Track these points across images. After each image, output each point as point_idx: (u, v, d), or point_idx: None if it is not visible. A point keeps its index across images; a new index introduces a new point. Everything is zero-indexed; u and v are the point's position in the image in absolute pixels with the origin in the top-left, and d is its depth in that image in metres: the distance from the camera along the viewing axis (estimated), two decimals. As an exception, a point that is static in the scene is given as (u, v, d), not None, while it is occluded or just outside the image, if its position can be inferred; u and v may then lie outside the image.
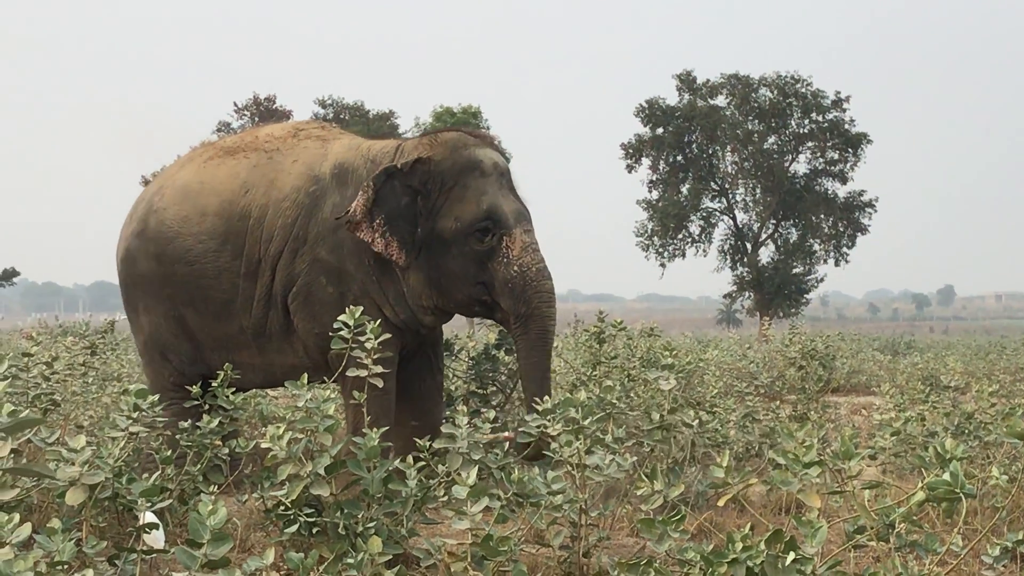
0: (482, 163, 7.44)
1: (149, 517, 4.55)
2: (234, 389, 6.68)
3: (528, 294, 7.20)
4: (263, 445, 5.04)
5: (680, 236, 58.24)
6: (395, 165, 7.41)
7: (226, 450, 6.01)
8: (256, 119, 64.02)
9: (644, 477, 5.05)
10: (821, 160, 57.85)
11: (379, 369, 5.87)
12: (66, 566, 3.56)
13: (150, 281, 8.11)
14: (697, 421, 6.93)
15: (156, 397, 5.53)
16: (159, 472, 5.34)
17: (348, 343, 6.10)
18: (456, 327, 24.34)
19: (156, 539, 4.55)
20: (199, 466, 5.87)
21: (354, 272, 7.52)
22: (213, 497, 4.06)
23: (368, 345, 5.81)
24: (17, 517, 3.58)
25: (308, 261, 7.57)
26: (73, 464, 4.34)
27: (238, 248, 7.75)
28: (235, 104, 65.09)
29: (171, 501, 5.12)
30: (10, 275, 69.12)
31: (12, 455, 3.07)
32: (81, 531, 4.58)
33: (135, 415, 5.44)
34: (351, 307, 6.03)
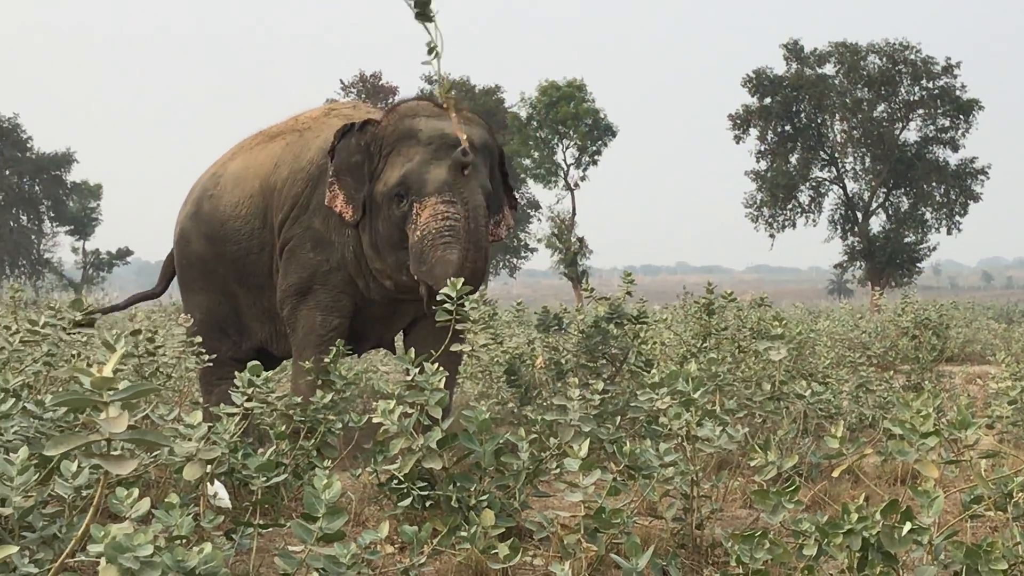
0: (420, 132, 7.47)
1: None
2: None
3: (422, 255, 7.21)
4: (375, 420, 5.07)
5: (789, 206, 57.78)
6: (351, 123, 7.67)
7: (339, 424, 6.05)
8: (363, 96, 64.33)
9: (757, 448, 5.02)
10: (932, 127, 57.12)
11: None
12: (184, 540, 3.60)
13: (204, 261, 8.50)
14: (809, 392, 6.87)
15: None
16: (274, 447, 5.39)
17: (453, 315, 6.19)
18: (565, 300, 24.36)
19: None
20: (313, 441, 5.91)
21: (336, 243, 7.75)
22: (327, 472, 4.10)
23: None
24: (136, 492, 3.62)
25: (303, 227, 7.87)
26: (190, 439, 4.39)
27: (271, 221, 8.11)
28: (341, 81, 65.47)
29: (286, 476, 5.15)
30: (124, 254, 70.03)
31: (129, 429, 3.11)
32: (198, 505, 4.63)
33: (250, 391, 5.51)
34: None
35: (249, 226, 8.22)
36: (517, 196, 8.02)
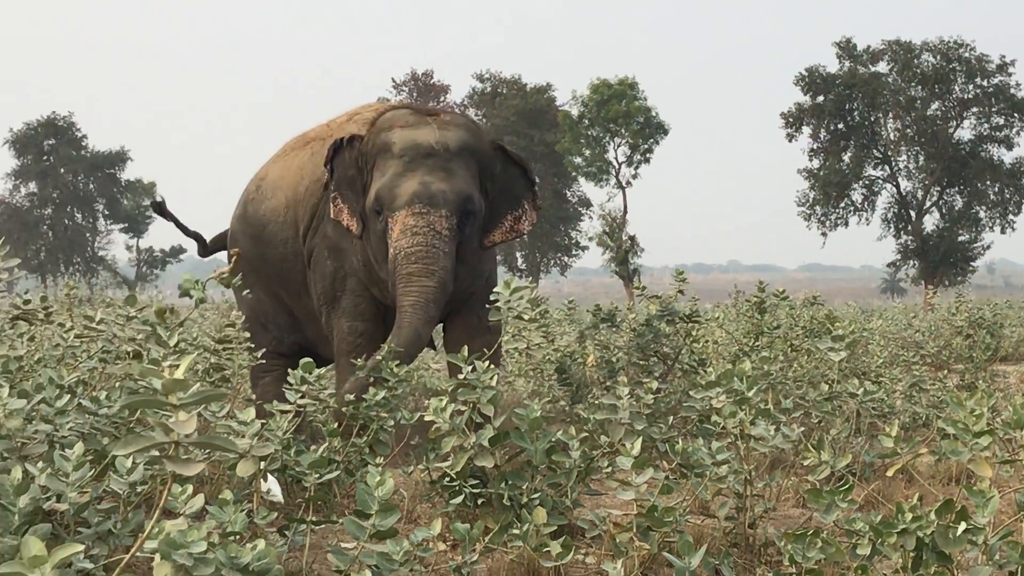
0: (393, 145, 7.52)
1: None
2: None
3: (394, 278, 7.27)
4: (427, 418, 5.08)
5: (842, 205, 57.43)
6: (342, 139, 7.72)
7: (391, 422, 6.06)
8: (414, 94, 64.46)
9: (810, 448, 5.00)
10: (986, 126, 56.64)
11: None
12: (238, 536, 3.61)
13: (249, 260, 8.50)
14: (862, 391, 6.83)
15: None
16: (326, 444, 5.41)
17: (505, 313, 6.20)
18: (616, 299, 24.32)
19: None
20: (365, 438, 5.92)
21: (347, 251, 7.83)
22: (380, 469, 4.11)
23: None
24: (190, 488, 3.64)
25: (321, 236, 7.99)
26: (243, 436, 4.41)
27: (300, 231, 8.21)
28: (393, 80, 65.59)
29: (338, 473, 5.17)
30: (177, 252, 70.40)
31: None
32: (252, 502, 4.65)
33: (303, 388, 5.53)
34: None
35: (284, 234, 8.35)
36: (538, 195, 8.08)
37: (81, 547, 2.82)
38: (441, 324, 8.19)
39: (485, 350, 7.26)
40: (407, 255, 7.14)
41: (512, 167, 7.95)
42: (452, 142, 7.47)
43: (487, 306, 7.87)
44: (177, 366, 2.91)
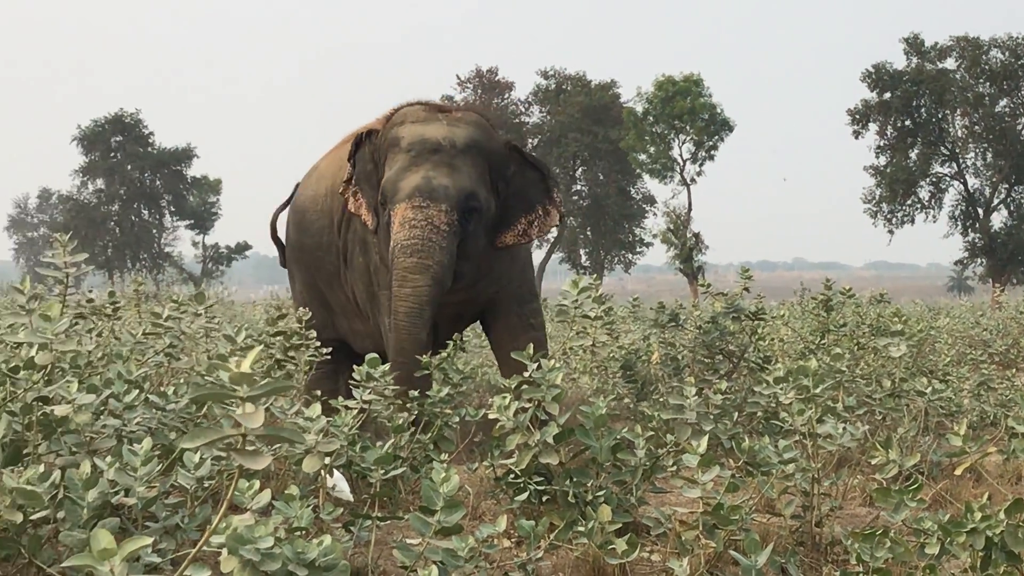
0: (402, 139, 7.52)
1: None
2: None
3: (393, 271, 7.25)
4: (491, 415, 5.08)
5: (909, 202, 56.99)
6: (361, 134, 7.80)
7: (456, 418, 6.07)
8: (479, 91, 64.51)
9: (878, 446, 4.97)
10: (1055, 123, 56.14)
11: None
12: (304, 532, 3.63)
13: (292, 248, 8.77)
14: (930, 389, 6.79)
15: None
16: (392, 440, 5.42)
17: (570, 312, 6.18)
18: (681, 296, 24.23)
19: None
20: (430, 435, 5.94)
21: (372, 243, 7.81)
22: (445, 465, 4.11)
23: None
24: (257, 484, 3.66)
25: (352, 231, 8.03)
26: (309, 432, 4.42)
27: (335, 223, 8.25)
28: (458, 77, 65.66)
29: (404, 469, 5.18)
30: (242, 248, 70.67)
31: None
32: (318, 498, 4.67)
33: (368, 384, 5.54)
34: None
35: (320, 223, 8.39)
36: (556, 197, 7.95)
37: (149, 540, 2.84)
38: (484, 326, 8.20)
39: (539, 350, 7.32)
40: (403, 248, 7.13)
41: (530, 170, 7.89)
42: (460, 139, 7.46)
43: (527, 306, 7.93)
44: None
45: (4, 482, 3.65)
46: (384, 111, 8.35)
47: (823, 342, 9.15)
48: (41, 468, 3.74)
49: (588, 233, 64.88)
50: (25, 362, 4.32)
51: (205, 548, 3.24)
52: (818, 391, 5.29)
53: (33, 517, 3.77)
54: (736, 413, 6.69)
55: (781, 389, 5.47)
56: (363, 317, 8.20)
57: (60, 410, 4.31)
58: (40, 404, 4.36)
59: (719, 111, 56.75)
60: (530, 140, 63.89)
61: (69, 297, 5.65)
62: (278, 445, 4.68)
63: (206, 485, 4.19)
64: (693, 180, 57.28)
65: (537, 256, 66.77)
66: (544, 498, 5.07)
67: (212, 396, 2.92)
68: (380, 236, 7.53)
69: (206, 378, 5.34)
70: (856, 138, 56.91)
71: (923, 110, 56.60)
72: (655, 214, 63.04)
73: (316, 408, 4.52)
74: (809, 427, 5.17)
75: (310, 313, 7.22)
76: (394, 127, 7.64)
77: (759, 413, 6.92)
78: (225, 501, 3.08)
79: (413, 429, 5.89)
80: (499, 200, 7.63)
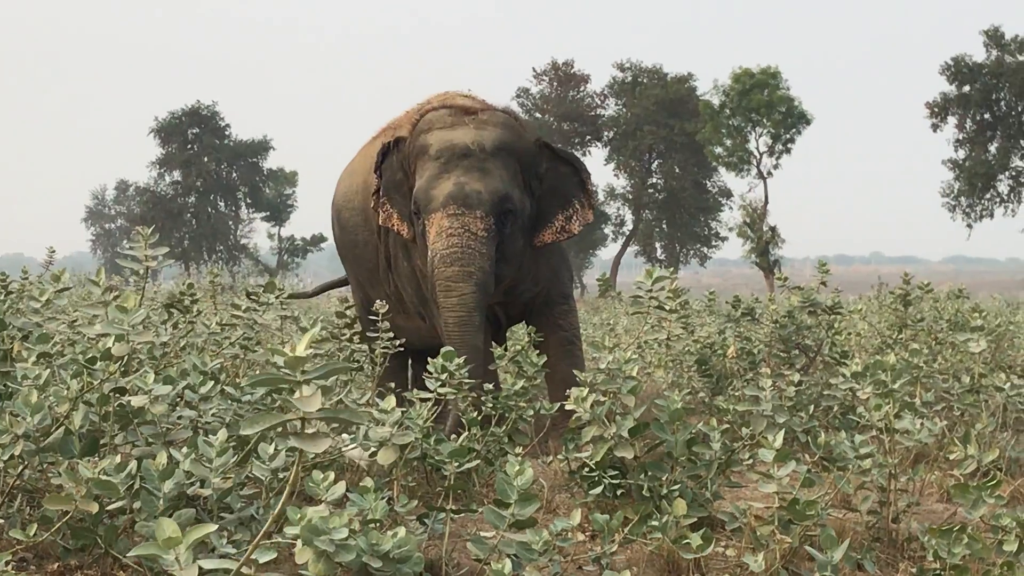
0: (431, 147, 7.39)
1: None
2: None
3: (433, 281, 7.15)
4: (567, 407, 5.07)
5: (988, 196, 56.51)
6: (391, 141, 7.67)
7: (530, 412, 6.07)
8: (555, 84, 64.55)
9: (956, 442, 4.92)
10: None
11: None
12: (378, 524, 3.63)
13: (336, 244, 8.86)
14: (1009, 385, 6.72)
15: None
16: (466, 433, 5.42)
17: (646, 304, 6.15)
18: (756, 290, 24.12)
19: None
20: (504, 428, 5.94)
21: (412, 250, 7.74)
22: (519, 458, 4.11)
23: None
24: (332, 476, 3.67)
25: (393, 236, 7.90)
26: (384, 425, 4.43)
27: (370, 222, 8.16)
28: (534, 70, 65.74)
29: (478, 462, 5.18)
30: (317, 240, 71.02)
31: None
32: (392, 490, 4.68)
33: (443, 377, 5.55)
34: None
35: (354, 220, 8.39)
36: (591, 188, 7.82)
37: (215, 527, 2.86)
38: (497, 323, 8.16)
39: (566, 351, 7.41)
40: (443, 257, 7.05)
41: (562, 165, 7.78)
42: (488, 141, 7.35)
43: (556, 307, 7.90)
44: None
45: (81, 472, 3.68)
46: (413, 106, 8.29)
47: (900, 337, 9.08)
48: (118, 459, 3.78)
49: (664, 226, 64.85)
50: (102, 353, 4.36)
51: (281, 540, 3.25)
52: (896, 386, 5.25)
53: (109, 508, 3.81)
54: (812, 407, 6.64)
55: (858, 384, 5.43)
56: (407, 314, 8.16)
57: (137, 401, 4.34)
58: (117, 395, 4.40)
59: (796, 104, 56.43)
60: (606, 133, 63.84)
61: (147, 289, 5.70)
62: (352, 436, 4.69)
63: (281, 477, 4.21)
64: (770, 173, 57.06)
65: (612, 250, 66.90)
66: (619, 492, 5.06)
67: (268, 381, 2.93)
68: (418, 245, 7.47)
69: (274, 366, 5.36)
70: (935, 131, 56.51)
71: (1003, 103, 56.08)
72: (731, 207, 62.92)
73: (391, 400, 4.53)
74: (886, 422, 5.14)
75: (387, 306, 7.21)
76: (421, 134, 7.54)
77: (835, 408, 6.87)
78: (288, 489, 3.09)
79: (487, 423, 5.90)
80: (534, 199, 7.57)
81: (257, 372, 6.45)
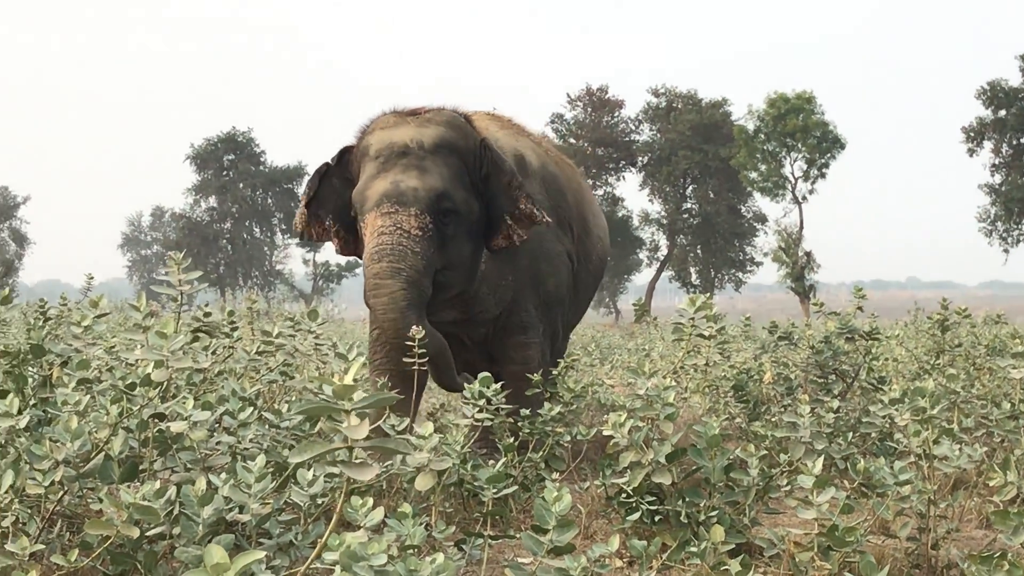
0: (370, 148, 7.16)
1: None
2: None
3: (365, 280, 6.88)
4: (605, 432, 5.06)
5: (1025, 221, 56.37)
6: (326, 164, 7.49)
7: (567, 437, 6.06)
8: (589, 109, 64.67)
9: (995, 468, 4.90)
10: None
11: None
12: (416, 550, 3.64)
13: None
14: (1049, 411, 6.70)
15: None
16: (504, 459, 5.42)
17: (688, 332, 6.13)
18: (792, 315, 24.05)
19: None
20: (541, 453, 5.93)
21: None
22: (557, 484, 4.10)
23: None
24: (370, 501, 3.68)
25: None
26: (421, 451, 4.43)
27: None
28: (568, 95, 65.91)
29: (515, 488, 5.18)
30: (352, 266, 71.26)
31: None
32: (430, 516, 4.68)
33: (480, 402, 5.54)
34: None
35: None
36: (529, 208, 7.23)
37: (262, 554, 2.86)
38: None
39: (512, 385, 6.87)
40: (371, 255, 6.75)
41: (498, 168, 7.30)
42: (428, 139, 7.08)
43: (512, 337, 7.67)
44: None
45: (121, 498, 3.69)
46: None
47: (938, 363, 9.05)
48: (157, 484, 3.78)
49: (698, 251, 64.90)
50: (141, 379, 4.38)
51: (319, 565, 3.26)
52: (935, 412, 5.23)
53: (149, 533, 3.81)
54: (850, 433, 6.62)
55: (897, 410, 5.42)
56: None
57: (176, 427, 4.36)
58: (156, 421, 4.42)
59: (831, 128, 56.41)
60: (640, 158, 63.96)
61: (183, 314, 5.73)
62: (390, 463, 4.70)
63: (319, 502, 4.22)
64: (804, 198, 57.10)
65: (646, 275, 66.99)
66: (656, 518, 5.04)
67: (317, 410, 2.94)
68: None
69: (313, 393, 5.38)
70: (971, 156, 56.39)
71: (1040, 128, 55.85)
72: (766, 232, 62.99)
73: (428, 426, 4.53)
74: (925, 448, 5.12)
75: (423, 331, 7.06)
76: (365, 136, 7.33)
77: (873, 434, 6.85)
78: (336, 516, 3.09)
79: (523, 449, 5.90)
80: (483, 201, 7.23)
81: (295, 399, 6.47)
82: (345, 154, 7.44)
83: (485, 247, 7.25)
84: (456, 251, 7.04)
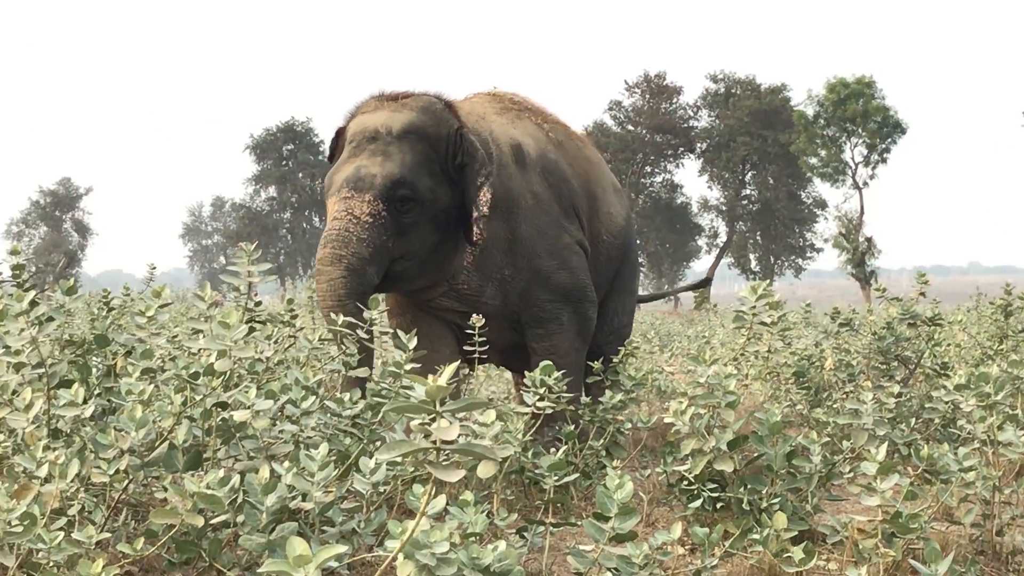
0: (348, 131, 7.10)
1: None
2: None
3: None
4: (666, 420, 5.05)
5: (1088, 203, 55.87)
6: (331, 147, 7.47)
7: (628, 425, 6.06)
8: (647, 96, 64.51)
9: (1061, 454, 4.87)
10: None
11: None
12: (478, 537, 3.64)
13: None
14: (1115, 396, 6.64)
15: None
16: (565, 446, 5.42)
17: (750, 320, 6.11)
18: (852, 301, 23.91)
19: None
20: (602, 441, 5.93)
21: None
22: (618, 471, 4.10)
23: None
24: (433, 489, 3.69)
25: None
26: (483, 438, 4.44)
27: None
28: (626, 82, 65.78)
29: (576, 475, 5.17)
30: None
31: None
32: (491, 503, 4.69)
33: (541, 391, 5.54)
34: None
35: None
36: (481, 187, 7.01)
37: (344, 548, 2.86)
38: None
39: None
40: (321, 240, 6.72)
41: (470, 157, 7.06)
42: (397, 124, 6.93)
43: (532, 329, 7.50)
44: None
45: (186, 486, 3.72)
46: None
47: (1001, 348, 8.99)
48: (221, 473, 3.81)
49: (758, 238, 64.64)
50: (205, 368, 4.40)
51: (382, 553, 3.27)
52: (999, 398, 5.19)
53: (213, 521, 3.84)
54: (912, 420, 6.58)
55: (961, 396, 5.38)
56: None
57: (239, 415, 4.38)
58: (219, 410, 4.44)
59: (892, 113, 56.02)
60: (699, 145, 63.76)
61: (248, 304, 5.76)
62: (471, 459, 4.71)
63: (382, 490, 4.23)
64: (865, 183, 56.73)
65: (706, 262, 66.76)
66: (718, 505, 5.03)
67: (409, 409, 2.94)
68: None
69: (381, 384, 5.38)
70: (1033, 137, 55.78)
71: (1106, 108, 55.23)
72: (826, 218, 62.73)
73: (490, 414, 4.53)
74: (989, 434, 5.08)
75: (483, 320, 6.95)
76: (349, 121, 7.23)
77: (936, 420, 6.80)
78: (419, 513, 3.11)
79: (584, 437, 5.90)
80: (456, 190, 7.01)
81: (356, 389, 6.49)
82: (338, 137, 7.38)
83: (466, 240, 7.05)
84: (417, 240, 6.91)
